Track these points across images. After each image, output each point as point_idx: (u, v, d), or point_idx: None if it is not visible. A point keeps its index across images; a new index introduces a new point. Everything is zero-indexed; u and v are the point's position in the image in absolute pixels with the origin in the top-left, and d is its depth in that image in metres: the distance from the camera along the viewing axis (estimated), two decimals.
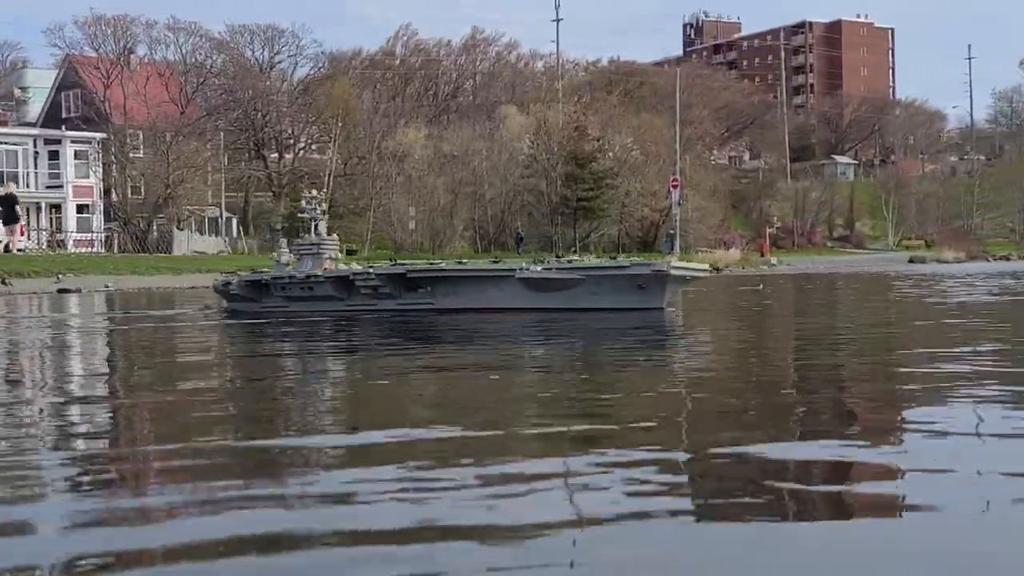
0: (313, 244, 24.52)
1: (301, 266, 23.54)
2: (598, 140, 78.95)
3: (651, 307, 19.64)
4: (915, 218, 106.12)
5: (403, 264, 24.66)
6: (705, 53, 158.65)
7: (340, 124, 74.81)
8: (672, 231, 68.85)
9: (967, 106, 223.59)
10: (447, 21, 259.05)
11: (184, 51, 79.35)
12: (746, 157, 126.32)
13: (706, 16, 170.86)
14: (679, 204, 72.14)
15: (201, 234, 65.18)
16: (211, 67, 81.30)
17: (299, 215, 30.65)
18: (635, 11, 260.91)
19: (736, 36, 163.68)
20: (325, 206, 26.26)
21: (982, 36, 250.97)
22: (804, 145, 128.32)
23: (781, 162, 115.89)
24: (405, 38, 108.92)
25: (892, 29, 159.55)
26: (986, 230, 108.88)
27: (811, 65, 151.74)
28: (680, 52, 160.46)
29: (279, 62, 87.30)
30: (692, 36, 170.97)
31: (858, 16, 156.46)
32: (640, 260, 22.04)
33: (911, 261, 76.12)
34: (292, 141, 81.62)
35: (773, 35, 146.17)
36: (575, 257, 25.04)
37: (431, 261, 31.11)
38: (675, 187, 72.14)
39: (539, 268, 20.61)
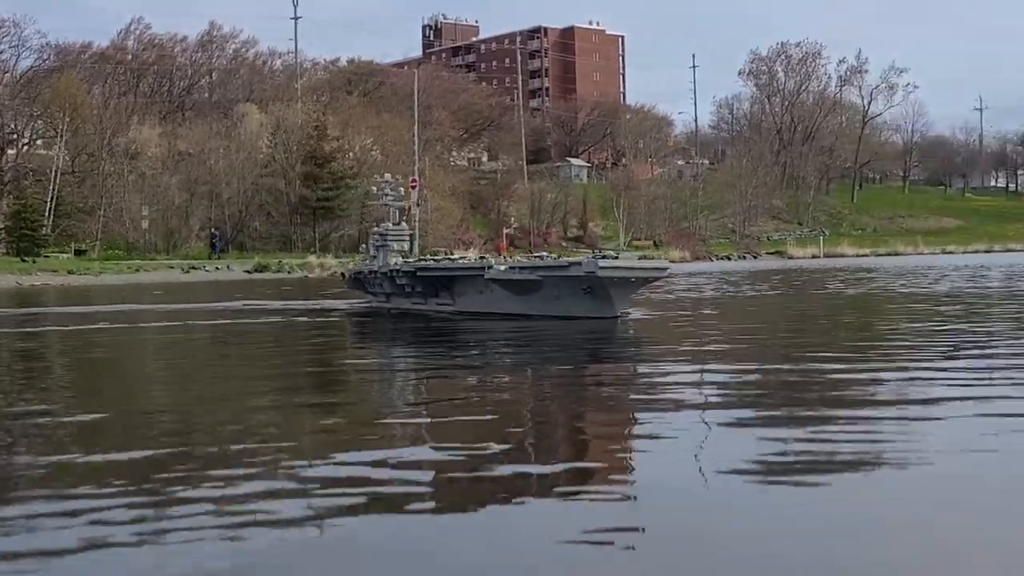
0: (382, 235, 26.24)
1: (380, 259, 25.54)
2: (338, 140, 78.91)
3: (604, 315, 18.49)
4: (644, 219, 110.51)
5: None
6: (444, 55, 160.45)
7: (68, 119, 71.83)
8: (411, 231, 69.61)
9: (692, 112, 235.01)
10: (182, 16, 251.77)
11: None
12: (484, 158, 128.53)
13: (445, 18, 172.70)
14: (418, 205, 72.95)
15: None
16: None
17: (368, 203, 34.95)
18: (375, 11, 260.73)
19: (474, 39, 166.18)
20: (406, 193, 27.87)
21: (706, 47, 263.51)
22: (540, 147, 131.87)
23: (518, 164, 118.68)
24: (138, 32, 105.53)
25: (622, 37, 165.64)
26: (709, 231, 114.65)
27: (547, 69, 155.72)
28: (420, 53, 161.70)
29: None
30: (431, 38, 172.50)
31: (590, 23, 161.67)
32: (581, 258, 20.29)
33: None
34: (15, 136, 77.79)
35: (510, 39, 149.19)
36: (544, 254, 25.31)
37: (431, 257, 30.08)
38: (414, 187, 72.90)
39: (502, 268, 20.69)
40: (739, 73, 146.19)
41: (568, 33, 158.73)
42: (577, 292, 18.98)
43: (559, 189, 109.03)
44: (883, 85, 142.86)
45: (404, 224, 27.48)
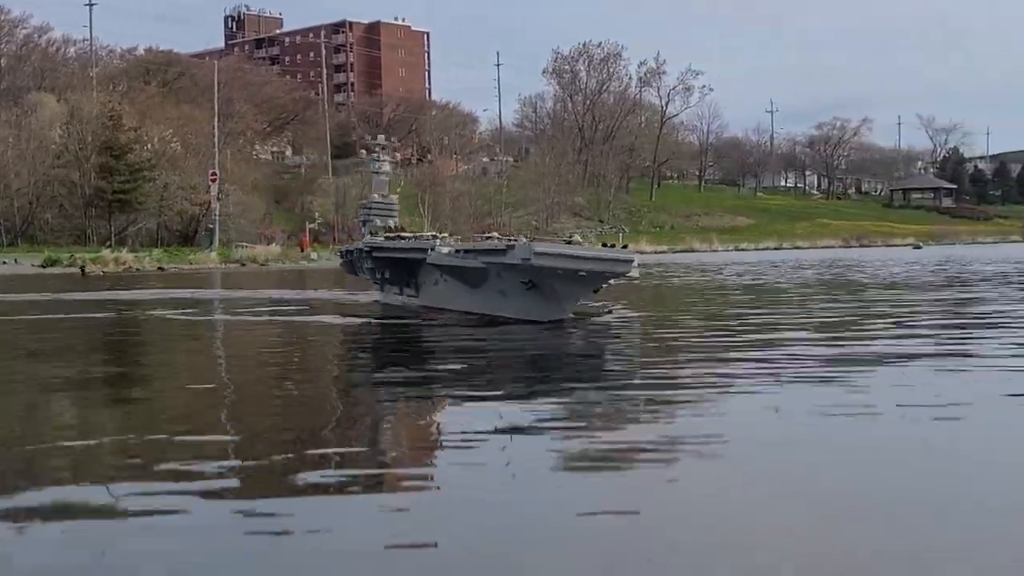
0: (367, 209, 24.43)
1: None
2: (135, 131, 76.76)
3: (543, 319, 15.41)
4: (449, 215, 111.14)
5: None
6: (248, 47, 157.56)
7: None
8: (211, 225, 68.44)
9: (497, 110, 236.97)
10: None
11: None
12: (289, 152, 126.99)
13: (248, 9, 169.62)
14: (219, 198, 71.77)
15: None
16: None
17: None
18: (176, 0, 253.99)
19: (278, 32, 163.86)
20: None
21: (512, 46, 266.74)
22: (346, 142, 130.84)
23: (323, 158, 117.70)
24: None
25: (427, 33, 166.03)
26: (513, 227, 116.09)
27: (352, 64, 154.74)
28: (222, 45, 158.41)
29: None
30: (234, 29, 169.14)
31: (396, 19, 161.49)
32: (516, 240, 16.56)
33: None
34: None
35: (315, 33, 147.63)
36: (495, 234, 20.31)
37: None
38: (214, 181, 71.70)
39: (444, 251, 17.59)
40: (543, 72, 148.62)
41: (374, 28, 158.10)
42: (518, 286, 15.85)
43: (364, 184, 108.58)
44: (680, 87, 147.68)
45: (393, 197, 24.64)
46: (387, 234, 22.94)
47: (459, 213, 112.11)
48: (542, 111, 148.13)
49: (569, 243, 16.40)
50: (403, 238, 21.91)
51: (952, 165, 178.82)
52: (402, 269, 20.59)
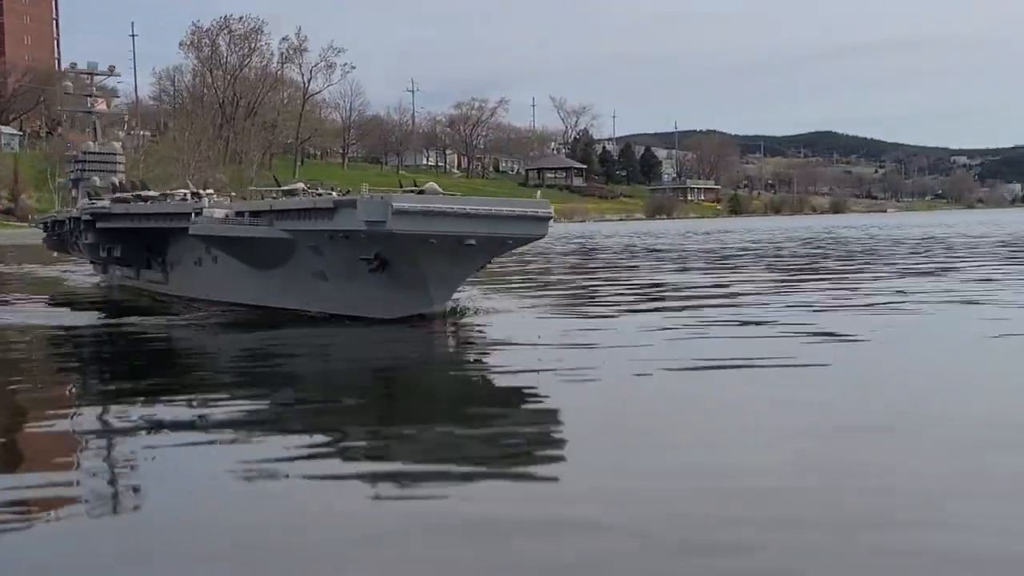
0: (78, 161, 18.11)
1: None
2: None
3: (406, 313, 10.73)
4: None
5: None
6: None
7: None
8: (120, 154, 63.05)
9: (133, 82, 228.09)
10: None
11: None
12: None
13: None
14: None
15: None
16: None
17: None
18: None
19: None
20: None
21: (148, 15, 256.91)
22: None
23: None
24: None
25: None
26: None
27: None
28: None
29: None
30: None
31: None
32: (358, 195, 10.89)
33: None
34: None
35: None
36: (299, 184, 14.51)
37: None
38: None
39: (219, 214, 12.38)
40: (180, 44, 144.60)
41: None
42: (355, 265, 10.91)
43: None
44: (323, 64, 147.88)
45: (116, 145, 17.98)
46: (117, 194, 17.53)
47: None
48: (180, 85, 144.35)
49: (422, 193, 11.17)
50: (144, 198, 16.21)
51: (582, 146, 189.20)
52: (141, 243, 15.59)
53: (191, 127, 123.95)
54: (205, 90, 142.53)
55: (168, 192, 17.29)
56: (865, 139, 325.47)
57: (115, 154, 18.32)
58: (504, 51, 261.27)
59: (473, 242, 10.55)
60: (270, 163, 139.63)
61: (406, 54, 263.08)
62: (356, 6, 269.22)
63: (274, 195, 13.53)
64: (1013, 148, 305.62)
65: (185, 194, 15.89)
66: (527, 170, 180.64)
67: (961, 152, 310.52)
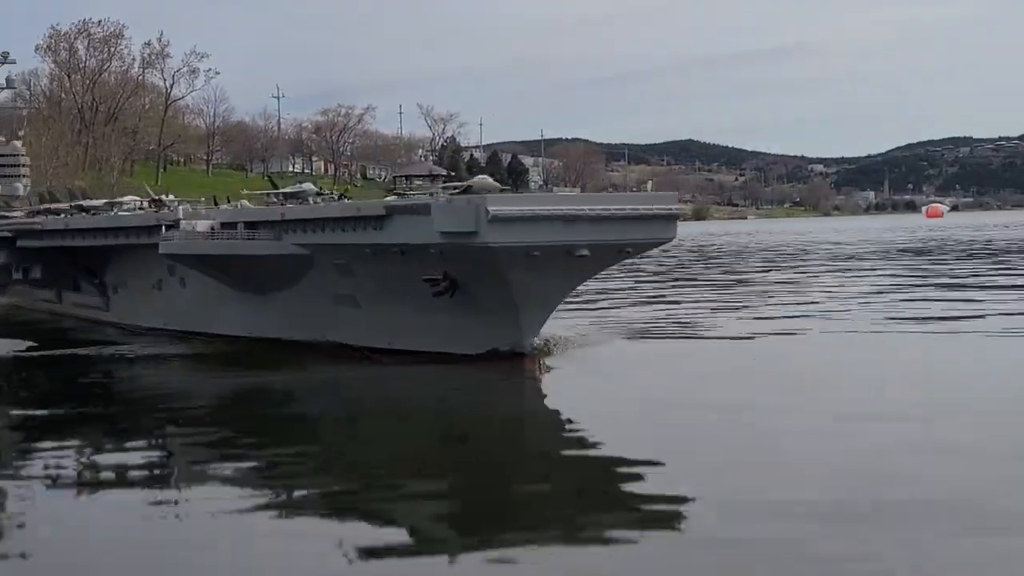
0: None
1: None
2: None
3: (486, 349, 7.85)
4: None
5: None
6: None
7: None
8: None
9: None
10: None
11: None
12: None
13: None
14: None
15: None
16: None
17: None
18: None
19: None
20: None
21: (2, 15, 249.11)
22: None
23: None
24: None
25: None
26: None
27: None
28: None
29: None
30: None
31: None
32: (428, 196, 8.14)
33: None
34: None
35: None
36: (308, 186, 9.90)
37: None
38: None
39: (200, 226, 9.14)
40: (36, 48, 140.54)
41: None
42: (409, 287, 8.26)
43: None
44: (185, 69, 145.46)
45: (18, 143, 16.94)
46: (44, 205, 14.10)
47: None
48: (36, 89, 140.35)
49: (469, 190, 7.92)
50: (86, 208, 12.91)
51: (450, 153, 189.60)
52: (69, 262, 12.12)
53: (48, 132, 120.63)
54: (63, 95, 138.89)
55: (114, 201, 15.07)
56: (726, 147, 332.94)
57: (18, 155, 16.04)
58: (371, 58, 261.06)
59: (586, 252, 8.13)
60: (131, 169, 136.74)
61: (271, 60, 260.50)
62: (220, 11, 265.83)
63: (274, 199, 11.98)
64: (867, 157, 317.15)
65: (139, 202, 13.77)
66: (395, 176, 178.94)
67: (818, 160, 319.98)
